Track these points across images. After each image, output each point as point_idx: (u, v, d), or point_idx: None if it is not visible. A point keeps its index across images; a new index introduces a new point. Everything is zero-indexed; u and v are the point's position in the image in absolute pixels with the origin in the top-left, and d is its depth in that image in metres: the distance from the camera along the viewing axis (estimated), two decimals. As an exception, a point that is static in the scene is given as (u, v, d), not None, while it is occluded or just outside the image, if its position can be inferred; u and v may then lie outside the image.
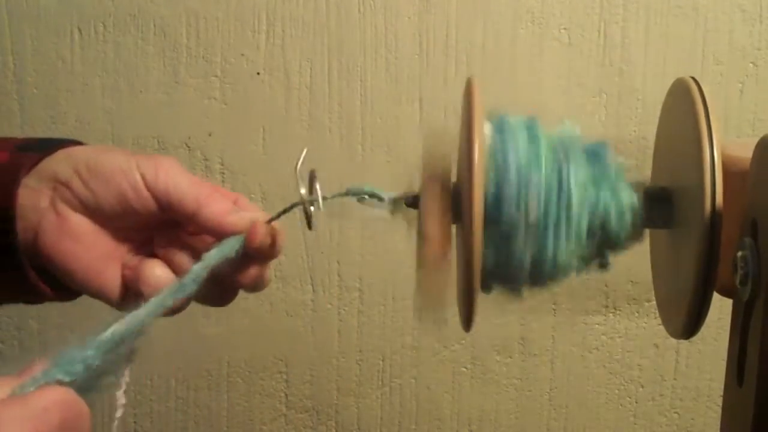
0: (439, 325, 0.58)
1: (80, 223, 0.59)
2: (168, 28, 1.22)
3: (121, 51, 1.23)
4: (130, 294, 0.59)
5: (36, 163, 0.59)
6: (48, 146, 0.61)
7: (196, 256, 0.59)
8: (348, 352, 1.32)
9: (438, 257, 0.55)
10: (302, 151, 0.60)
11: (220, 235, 0.59)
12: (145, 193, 0.59)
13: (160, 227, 0.62)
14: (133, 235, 0.62)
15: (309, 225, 0.60)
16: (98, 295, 0.60)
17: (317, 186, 0.60)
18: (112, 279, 0.60)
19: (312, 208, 0.60)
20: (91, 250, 0.59)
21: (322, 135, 1.24)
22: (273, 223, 0.61)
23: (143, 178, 0.59)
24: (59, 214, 0.59)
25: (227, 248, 0.58)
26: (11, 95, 1.25)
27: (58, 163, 0.60)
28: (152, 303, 0.55)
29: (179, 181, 0.59)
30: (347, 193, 0.60)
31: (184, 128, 1.25)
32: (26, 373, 0.47)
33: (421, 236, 0.56)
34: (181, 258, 0.60)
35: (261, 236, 0.59)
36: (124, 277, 0.60)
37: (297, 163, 0.60)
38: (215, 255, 0.58)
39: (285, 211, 0.61)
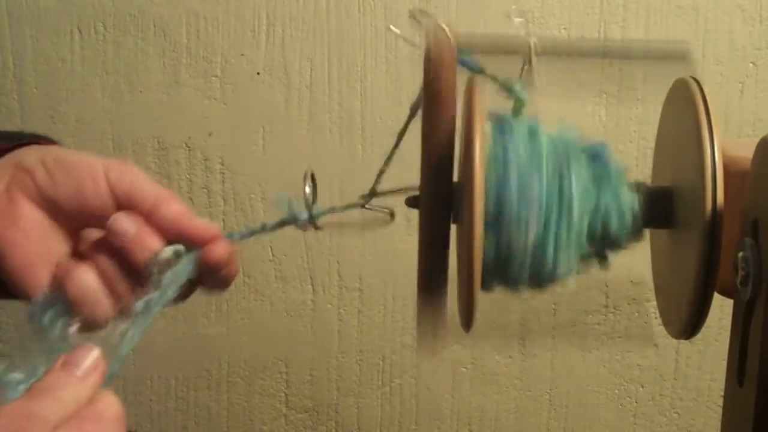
0: (440, 342, 0.58)
1: (30, 213, 0.57)
2: (168, 28, 1.22)
3: (121, 51, 1.23)
4: (51, 294, 0.57)
5: (5, 152, 0.58)
6: (20, 139, 0.60)
7: (123, 262, 0.56)
8: (348, 352, 1.32)
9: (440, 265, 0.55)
10: (307, 172, 0.59)
11: (175, 235, 0.57)
12: (104, 188, 0.57)
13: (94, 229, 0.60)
14: (77, 236, 0.60)
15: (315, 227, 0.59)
16: (23, 288, 0.57)
17: (310, 192, 0.59)
18: (41, 277, 0.57)
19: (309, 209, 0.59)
20: (32, 242, 0.57)
21: (322, 135, 1.24)
22: (233, 240, 0.59)
23: (106, 173, 0.57)
24: (12, 199, 0.57)
25: (181, 273, 0.56)
26: (11, 95, 1.25)
27: (25, 152, 0.59)
28: (128, 339, 0.53)
29: (141, 180, 0.58)
30: (333, 210, 0.60)
31: (184, 128, 1.25)
32: (73, 368, 0.48)
33: (421, 243, 0.56)
34: (108, 264, 0.57)
35: (220, 251, 0.57)
36: (52, 277, 0.58)
37: (305, 187, 0.59)
38: (171, 283, 0.55)
39: (264, 231, 0.60)
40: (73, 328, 0.55)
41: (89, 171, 0.57)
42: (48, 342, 0.54)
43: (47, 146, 0.61)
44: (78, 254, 0.59)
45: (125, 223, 0.56)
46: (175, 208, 0.57)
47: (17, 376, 0.49)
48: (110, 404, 0.48)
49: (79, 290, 0.56)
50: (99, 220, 0.58)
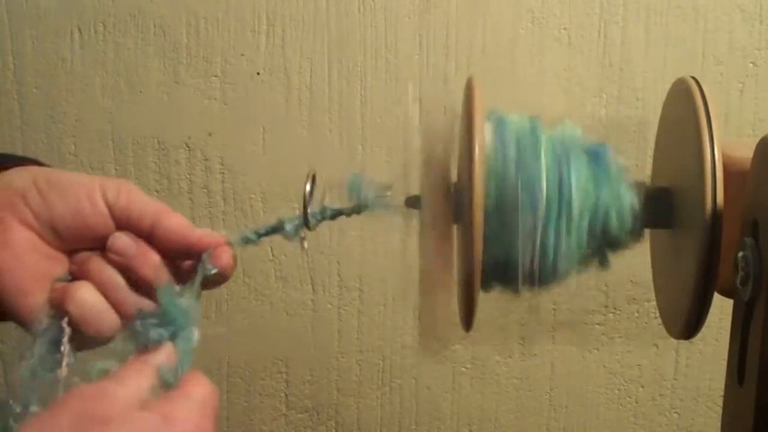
0: (442, 343, 0.58)
1: (23, 236, 0.56)
2: (168, 28, 1.22)
3: (121, 51, 1.23)
4: (49, 318, 0.56)
5: None
6: (5, 161, 0.59)
7: (125, 278, 0.56)
8: (348, 352, 1.32)
9: (439, 266, 0.55)
10: (309, 173, 0.59)
11: (181, 247, 0.57)
12: (103, 209, 0.56)
13: (85, 249, 0.59)
14: (71, 257, 0.59)
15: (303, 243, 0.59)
16: (19, 315, 0.56)
17: (310, 196, 0.59)
18: (37, 302, 0.56)
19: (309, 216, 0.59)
20: (26, 266, 0.56)
21: (322, 135, 1.24)
22: (233, 245, 0.59)
23: (103, 193, 0.57)
24: (3, 222, 0.56)
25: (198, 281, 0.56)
26: (11, 95, 1.25)
27: (14, 174, 0.57)
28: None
29: (140, 198, 0.57)
30: (341, 212, 0.60)
31: (184, 128, 1.25)
32: (150, 358, 0.50)
33: (421, 243, 0.56)
34: (105, 278, 0.57)
35: (228, 257, 0.57)
36: (50, 299, 0.57)
37: (305, 189, 0.58)
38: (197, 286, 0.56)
39: (268, 233, 0.60)
40: (66, 349, 0.55)
41: (85, 191, 0.57)
42: (49, 364, 0.54)
43: (36, 167, 0.59)
44: (75, 275, 0.58)
45: (125, 242, 0.56)
46: (176, 221, 0.57)
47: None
48: (198, 384, 0.50)
49: (80, 308, 0.55)
50: (98, 240, 0.57)
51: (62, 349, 0.54)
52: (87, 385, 0.48)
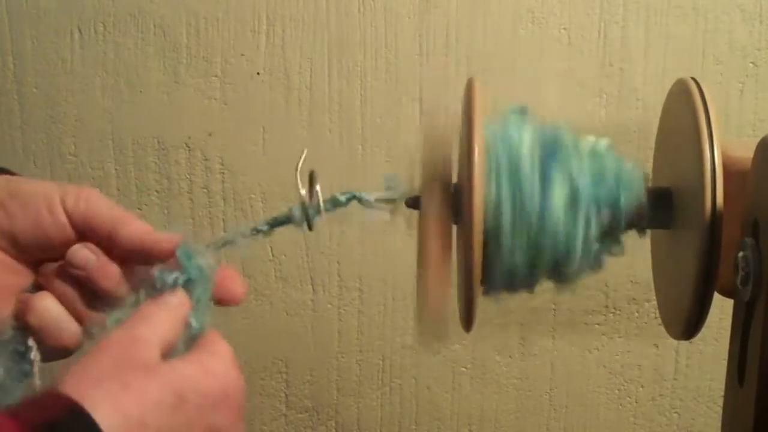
0: (441, 341, 0.58)
1: None
2: (168, 28, 1.22)
3: (121, 51, 1.23)
4: (12, 330, 0.56)
5: None
6: None
7: (85, 289, 0.56)
8: (348, 352, 1.32)
9: (439, 265, 0.55)
10: (302, 152, 0.59)
11: (140, 252, 0.56)
12: (62, 217, 0.56)
13: (50, 260, 0.58)
14: (36, 269, 0.58)
15: (310, 227, 0.59)
16: None
17: (318, 189, 0.59)
18: (3, 316, 0.56)
19: (313, 210, 0.59)
20: None
21: (322, 135, 1.24)
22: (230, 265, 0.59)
23: (62, 201, 0.56)
24: None
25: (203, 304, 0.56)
26: (11, 95, 1.24)
27: None
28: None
29: (99, 204, 0.57)
30: (335, 203, 0.60)
31: (184, 128, 1.25)
32: (168, 299, 0.52)
33: (421, 244, 0.56)
34: (66, 289, 0.56)
35: (236, 285, 0.59)
36: (14, 311, 0.56)
37: (298, 165, 0.59)
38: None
39: (274, 226, 0.60)
40: (36, 358, 0.55)
41: (45, 201, 0.56)
42: (15, 375, 0.54)
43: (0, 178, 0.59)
44: (40, 287, 0.57)
45: (86, 254, 0.56)
46: (134, 227, 0.57)
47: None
48: (222, 343, 0.53)
49: (41, 319, 0.55)
50: (60, 249, 0.57)
51: (32, 357, 0.54)
52: (117, 332, 0.49)
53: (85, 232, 0.57)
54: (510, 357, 1.31)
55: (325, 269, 1.29)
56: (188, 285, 0.54)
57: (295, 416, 1.35)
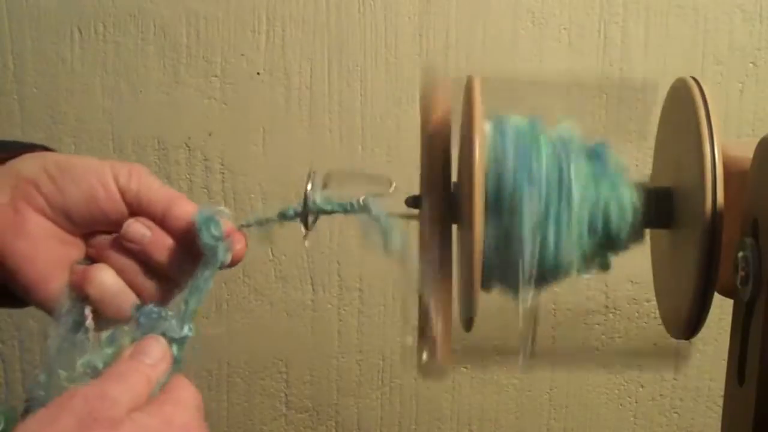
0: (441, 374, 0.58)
1: (39, 224, 0.57)
2: (168, 28, 1.22)
3: (121, 51, 1.23)
4: (70, 301, 0.57)
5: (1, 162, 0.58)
6: (13, 148, 0.59)
7: (141, 263, 0.57)
8: (348, 352, 1.32)
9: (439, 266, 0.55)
10: (310, 171, 0.59)
11: (191, 234, 0.57)
12: (116, 194, 0.57)
13: (103, 232, 0.59)
14: (87, 240, 0.59)
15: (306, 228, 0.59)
16: (41, 301, 0.57)
17: (311, 189, 0.59)
18: (58, 287, 0.57)
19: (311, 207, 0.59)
20: (44, 254, 0.57)
21: (322, 135, 1.24)
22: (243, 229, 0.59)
23: (115, 178, 0.57)
24: (18, 212, 0.56)
25: (211, 267, 0.56)
26: (11, 95, 1.25)
27: (23, 162, 0.58)
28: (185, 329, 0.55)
29: (151, 183, 0.58)
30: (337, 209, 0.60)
31: (184, 128, 1.25)
32: (145, 357, 0.51)
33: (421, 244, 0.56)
34: (123, 261, 0.58)
35: (242, 244, 0.58)
36: (70, 282, 0.58)
37: (306, 187, 0.59)
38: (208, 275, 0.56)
39: (277, 219, 0.60)
40: (91, 327, 0.56)
41: (97, 177, 0.57)
42: (72, 344, 0.55)
43: (44, 153, 0.60)
44: (93, 259, 0.58)
45: (140, 228, 0.57)
46: (189, 207, 0.57)
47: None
48: (187, 389, 0.50)
49: (99, 290, 0.56)
50: (112, 223, 0.58)
51: (87, 326, 0.55)
52: (87, 386, 0.48)
53: (137, 209, 0.58)
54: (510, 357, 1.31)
55: (325, 269, 1.29)
56: (171, 336, 0.53)
57: (295, 416, 1.35)
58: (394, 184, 0.58)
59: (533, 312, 0.57)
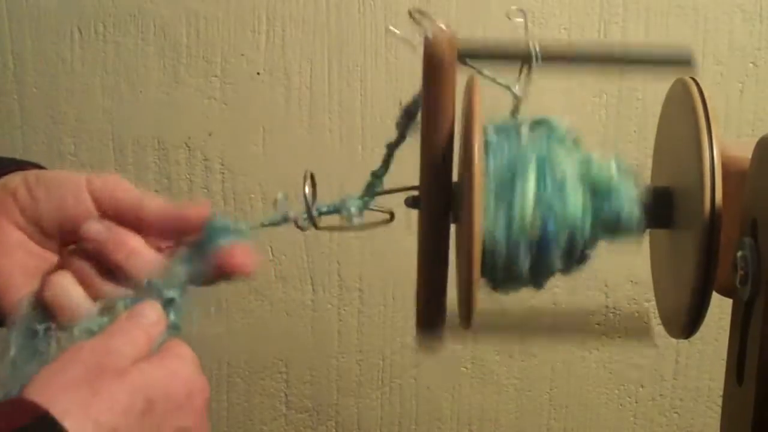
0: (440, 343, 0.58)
1: (11, 234, 0.57)
2: (168, 28, 1.22)
3: (121, 51, 1.23)
4: (27, 305, 0.56)
5: None
6: (7, 166, 0.59)
7: (101, 264, 0.56)
8: (348, 352, 1.32)
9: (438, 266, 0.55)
10: (306, 172, 0.59)
11: (167, 224, 0.57)
12: (88, 201, 0.57)
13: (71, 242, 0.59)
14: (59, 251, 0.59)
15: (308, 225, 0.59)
16: (6, 312, 0.56)
17: (309, 194, 0.59)
18: (21, 298, 0.56)
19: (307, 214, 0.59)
20: (15, 264, 0.56)
21: (322, 135, 1.24)
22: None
23: (89, 186, 0.57)
24: None
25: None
26: (11, 95, 1.25)
27: (10, 177, 0.58)
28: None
29: (124, 186, 0.58)
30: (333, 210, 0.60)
31: (184, 128, 1.25)
32: (143, 317, 0.52)
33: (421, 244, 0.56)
34: (83, 265, 0.57)
35: (239, 260, 0.57)
36: (34, 291, 0.57)
37: (304, 189, 0.59)
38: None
39: (273, 224, 0.60)
40: (53, 332, 0.55)
41: (71, 184, 0.57)
42: (29, 353, 0.55)
43: (32, 170, 0.60)
44: (61, 268, 0.58)
45: (97, 228, 0.56)
46: (159, 202, 0.57)
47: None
48: (185, 347, 0.52)
49: (55, 295, 0.55)
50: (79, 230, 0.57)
51: (47, 334, 0.55)
52: (91, 341, 0.49)
53: (112, 214, 0.57)
54: (510, 357, 1.31)
55: (325, 269, 1.29)
56: (167, 303, 0.54)
57: (295, 416, 1.35)
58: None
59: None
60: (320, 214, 0.60)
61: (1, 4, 1.22)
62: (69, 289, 0.56)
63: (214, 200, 1.27)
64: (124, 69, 1.23)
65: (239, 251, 0.57)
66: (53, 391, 0.45)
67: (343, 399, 1.34)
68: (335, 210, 0.60)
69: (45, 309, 0.55)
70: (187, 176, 1.26)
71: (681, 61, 0.58)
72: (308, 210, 0.59)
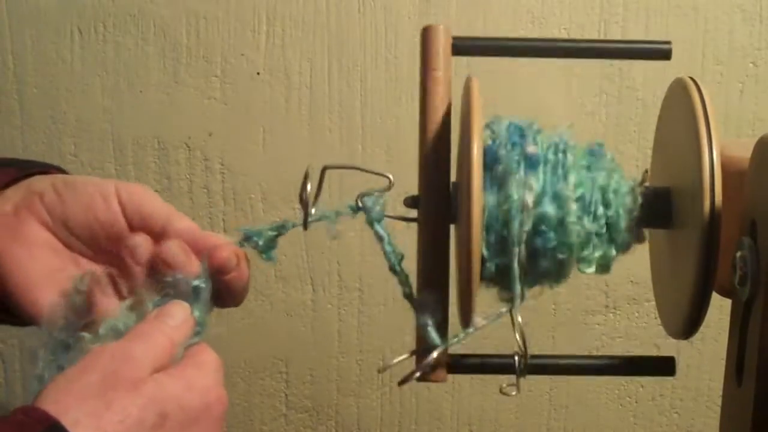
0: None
1: (37, 232, 0.57)
2: (168, 28, 1.22)
3: (121, 51, 1.23)
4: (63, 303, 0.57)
5: (14, 180, 0.58)
6: (33, 167, 0.61)
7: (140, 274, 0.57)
8: (348, 352, 1.32)
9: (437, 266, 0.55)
10: (306, 172, 0.59)
11: (191, 247, 0.57)
12: (115, 206, 0.57)
13: (101, 251, 0.60)
14: (86, 257, 0.60)
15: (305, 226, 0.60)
16: (22, 307, 0.57)
17: (310, 192, 0.59)
18: (43, 297, 0.57)
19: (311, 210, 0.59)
20: (38, 261, 0.57)
21: (322, 135, 1.24)
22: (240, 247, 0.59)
23: (117, 192, 0.58)
24: (19, 219, 0.57)
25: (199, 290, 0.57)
26: (11, 95, 1.25)
27: (36, 178, 0.59)
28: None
29: (152, 198, 0.59)
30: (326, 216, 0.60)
31: (184, 128, 1.25)
32: (169, 318, 0.52)
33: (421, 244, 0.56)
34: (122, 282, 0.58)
35: (226, 254, 0.57)
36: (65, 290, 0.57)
37: (304, 190, 0.59)
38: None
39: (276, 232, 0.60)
40: (86, 333, 0.55)
41: (99, 190, 0.58)
42: (64, 347, 0.55)
43: (58, 173, 0.61)
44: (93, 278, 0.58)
45: (141, 241, 0.57)
46: (186, 224, 0.58)
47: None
48: (209, 353, 0.52)
49: (95, 296, 0.56)
50: (110, 238, 0.58)
51: (79, 342, 0.54)
52: (112, 345, 0.49)
53: (137, 225, 0.58)
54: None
55: (325, 269, 1.29)
56: (194, 301, 0.55)
57: (295, 416, 1.35)
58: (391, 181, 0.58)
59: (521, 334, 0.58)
60: (317, 219, 0.60)
61: (1, 4, 1.22)
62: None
63: (214, 200, 1.27)
64: (124, 69, 1.23)
65: (228, 249, 0.58)
66: (66, 400, 0.45)
67: (343, 399, 1.34)
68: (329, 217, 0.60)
69: (76, 311, 0.56)
70: (187, 176, 1.26)
71: (660, 54, 0.59)
72: (305, 211, 0.59)
